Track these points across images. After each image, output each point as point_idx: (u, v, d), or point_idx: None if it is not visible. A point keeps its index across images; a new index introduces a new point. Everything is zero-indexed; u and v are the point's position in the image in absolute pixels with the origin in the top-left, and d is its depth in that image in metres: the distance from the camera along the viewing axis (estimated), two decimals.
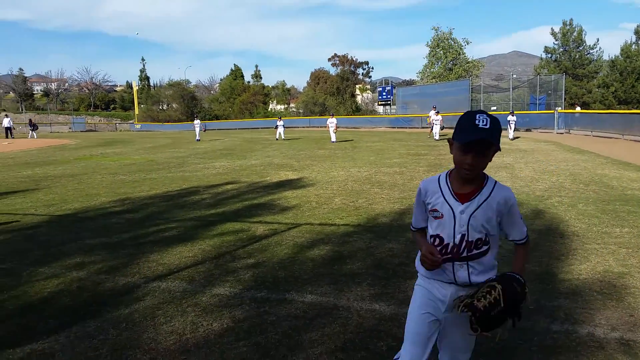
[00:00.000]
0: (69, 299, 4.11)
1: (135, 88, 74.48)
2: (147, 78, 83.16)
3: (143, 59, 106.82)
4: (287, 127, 30.51)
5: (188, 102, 67.71)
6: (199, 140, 29.23)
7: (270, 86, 72.74)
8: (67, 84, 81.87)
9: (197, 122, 31.40)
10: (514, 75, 37.87)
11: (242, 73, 72.88)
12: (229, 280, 4.46)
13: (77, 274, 4.74)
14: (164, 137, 36.35)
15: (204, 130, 30.73)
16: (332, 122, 24.69)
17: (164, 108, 72.38)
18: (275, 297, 4.05)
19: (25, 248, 5.72)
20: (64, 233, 6.44)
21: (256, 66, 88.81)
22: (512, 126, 23.11)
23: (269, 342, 3.27)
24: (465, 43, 50.59)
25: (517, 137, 23.15)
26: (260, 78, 73.38)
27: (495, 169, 11.84)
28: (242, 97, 64.98)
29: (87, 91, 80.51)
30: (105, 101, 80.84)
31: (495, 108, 35.50)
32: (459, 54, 50.20)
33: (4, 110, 66.16)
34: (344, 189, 9.51)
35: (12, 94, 76.30)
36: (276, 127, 27.66)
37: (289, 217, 7.07)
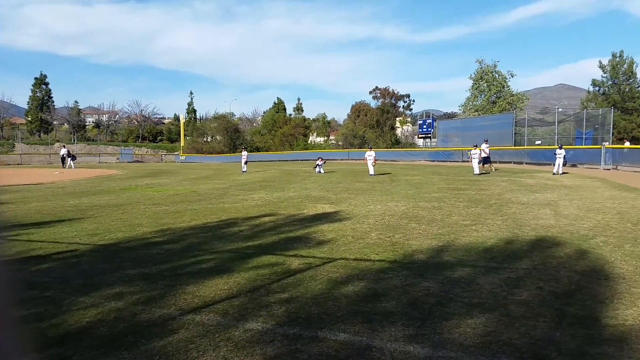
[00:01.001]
0: (106, 329, 4.20)
1: (182, 120, 77.12)
2: (194, 111, 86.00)
3: (191, 93, 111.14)
4: (325, 160, 30.42)
5: (231, 135, 69.44)
6: (245, 171, 29.54)
7: (311, 119, 73.86)
8: (117, 116, 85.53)
9: (244, 153, 30.89)
10: (560, 109, 37.02)
11: (284, 106, 74.48)
12: (262, 315, 4.47)
13: (116, 304, 4.86)
14: (206, 169, 37.24)
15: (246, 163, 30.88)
16: (370, 155, 24.72)
17: (208, 140, 74.42)
18: (308, 334, 4.02)
19: (68, 276, 5.92)
20: (106, 262, 6.64)
21: (298, 99, 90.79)
22: (560, 160, 22.37)
23: None
24: (510, 76, 50.21)
25: (565, 173, 22.47)
26: (302, 111, 74.80)
27: (539, 206, 11.51)
28: (283, 130, 66.13)
29: (136, 123, 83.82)
30: (153, 133, 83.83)
31: (539, 142, 34.79)
32: (503, 86, 49.74)
33: (58, 140, 69.63)
34: (380, 223, 9.44)
35: (66, 126, 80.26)
36: (317, 166, 27.71)
37: (325, 251, 7.06)
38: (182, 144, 72.24)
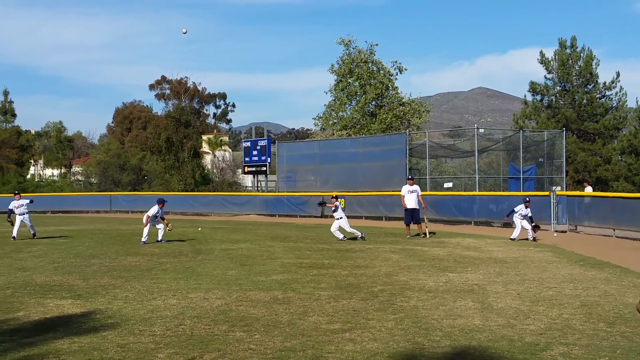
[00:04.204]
0: None
1: None
2: None
3: None
4: (65, 213, 29.58)
5: None
6: None
7: (34, 131, 71.44)
8: None
9: None
10: (481, 130, 39.73)
11: None
12: None
13: None
14: None
15: None
16: (157, 211, 24.28)
17: None
18: None
19: None
20: None
21: (5, 93, 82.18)
22: (523, 222, 23.27)
23: None
24: (398, 70, 52.79)
25: (525, 239, 24.11)
26: (14, 116, 71.92)
27: (455, 294, 12.26)
28: None
29: None
30: None
31: (450, 185, 36.91)
32: (388, 87, 52.20)
33: None
34: (175, 333, 9.28)
35: None
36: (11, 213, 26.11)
37: None
38: None
